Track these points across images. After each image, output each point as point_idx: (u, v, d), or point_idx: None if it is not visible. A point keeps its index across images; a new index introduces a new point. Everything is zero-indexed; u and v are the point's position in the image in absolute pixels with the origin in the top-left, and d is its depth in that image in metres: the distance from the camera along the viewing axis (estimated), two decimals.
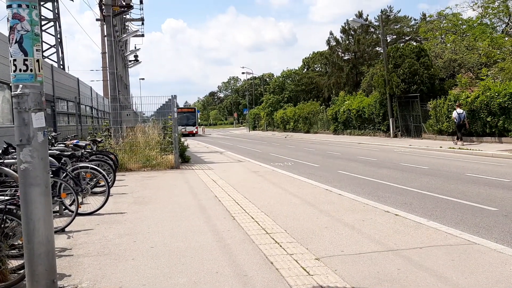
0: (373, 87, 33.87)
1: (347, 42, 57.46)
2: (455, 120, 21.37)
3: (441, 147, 19.86)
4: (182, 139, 17.00)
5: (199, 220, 7.00)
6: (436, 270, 4.42)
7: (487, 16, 32.90)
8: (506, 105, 19.28)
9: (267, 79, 78.51)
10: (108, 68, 18.95)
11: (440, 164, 14.59)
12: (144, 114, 27.47)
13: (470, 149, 18.07)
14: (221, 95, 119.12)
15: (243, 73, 68.68)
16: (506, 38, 29.79)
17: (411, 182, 10.81)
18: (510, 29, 32.56)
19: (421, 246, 5.25)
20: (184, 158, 16.24)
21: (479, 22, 32.38)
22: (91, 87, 23.67)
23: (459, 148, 18.71)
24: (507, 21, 32.75)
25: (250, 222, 6.67)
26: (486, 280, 4.13)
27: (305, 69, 71.46)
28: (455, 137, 21.44)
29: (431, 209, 7.88)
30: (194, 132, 51.48)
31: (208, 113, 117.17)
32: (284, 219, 6.75)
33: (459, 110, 21.14)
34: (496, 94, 19.93)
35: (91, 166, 7.96)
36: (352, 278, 4.26)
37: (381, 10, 59.11)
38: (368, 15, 57.70)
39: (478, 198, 8.64)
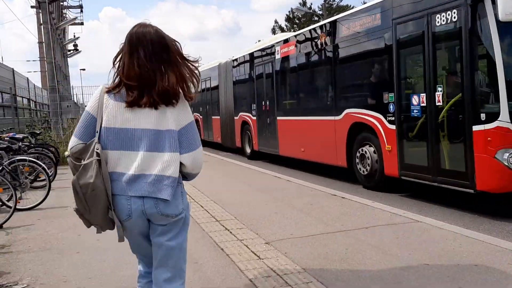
0: None
1: (292, 30, 57.91)
2: None
3: None
4: None
5: None
6: (382, 248, 4.56)
7: None
8: None
9: None
10: (45, 58, 18.07)
11: None
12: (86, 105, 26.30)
13: None
14: None
15: None
16: None
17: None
18: None
19: (367, 226, 5.39)
20: None
21: None
22: (27, 78, 22.46)
23: None
24: None
25: (200, 210, 6.60)
26: (429, 255, 4.29)
27: None
28: None
29: (375, 191, 8.12)
30: None
31: None
32: (234, 207, 6.71)
33: None
34: None
35: (29, 159, 7.57)
36: (301, 259, 4.31)
37: None
38: (311, 4, 58.14)
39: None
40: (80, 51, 39.50)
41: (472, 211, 6.39)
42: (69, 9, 30.19)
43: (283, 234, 5.20)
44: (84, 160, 2.28)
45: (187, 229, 2.47)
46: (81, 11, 29.99)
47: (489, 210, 6.32)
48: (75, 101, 25.52)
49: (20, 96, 19.29)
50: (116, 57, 2.36)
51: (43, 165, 7.70)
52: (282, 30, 58.06)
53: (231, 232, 5.35)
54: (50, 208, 7.23)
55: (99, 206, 2.29)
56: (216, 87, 16.38)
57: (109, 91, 2.34)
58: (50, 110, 15.81)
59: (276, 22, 59.34)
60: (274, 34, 58.73)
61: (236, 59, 14.89)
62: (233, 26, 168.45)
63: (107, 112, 2.30)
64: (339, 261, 4.27)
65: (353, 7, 56.65)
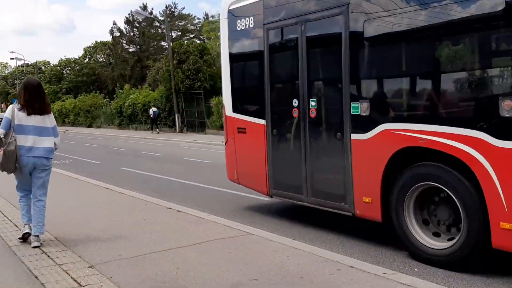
0: (159, 81, 33.92)
1: (132, 34, 56.05)
2: (151, 116, 30.33)
3: (222, 141, 21.01)
4: None
5: None
6: (214, 265, 4.45)
7: None
8: None
9: (43, 67, 70.74)
10: None
11: (223, 158, 15.34)
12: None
13: None
14: None
15: (12, 58, 60.64)
16: None
17: (195, 177, 11.00)
18: None
19: (201, 241, 5.25)
20: None
21: None
22: None
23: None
24: None
25: (13, 231, 5.73)
26: (259, 269, 4.32)
27: (87, 59, 67.11)
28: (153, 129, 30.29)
29: (212, 203, 8.12)
30: None
31: None
32: (55, 225, 5.95)
33: (154, 109, 30.24)
34: None
35: None
36: (128, 284, 3.97)
37: (166, 5, 59.56)
38: (153, 9, 57.47)
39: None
40: None
41: (302, 221, 6.69)
42: None
43: (110, 255, 4.77)
44: (8, 140, 4.86)
45: (50, 171, 5.28)
46: None
47: (317, 220, 6.66)
48: None
49: None
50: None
51: None
52: (121, 32, 55.95)
53: (49, 256, 4.72)
54: None
55: (13, 160, 4.87)
56: None
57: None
58: None
59: (114, 23, 57.06)
60: (112, 36, 56.11)
61: None
62: (66, 23, 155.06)
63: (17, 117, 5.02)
64: (169, 282, 4.04)
65: (194, 17, 57.36)
